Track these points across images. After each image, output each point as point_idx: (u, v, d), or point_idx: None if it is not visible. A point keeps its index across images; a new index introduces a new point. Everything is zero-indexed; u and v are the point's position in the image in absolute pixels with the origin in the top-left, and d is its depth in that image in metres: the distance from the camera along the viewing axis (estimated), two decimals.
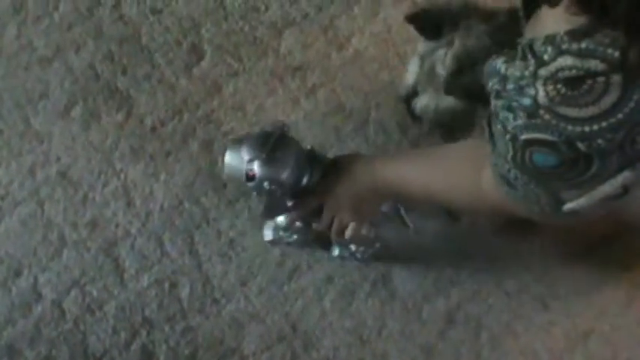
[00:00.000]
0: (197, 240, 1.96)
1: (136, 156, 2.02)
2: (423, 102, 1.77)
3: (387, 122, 2.05)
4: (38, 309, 1.91)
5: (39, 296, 1.91)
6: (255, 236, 1.95)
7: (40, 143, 2.03)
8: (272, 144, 1.66)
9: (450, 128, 1.82)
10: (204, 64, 2.11)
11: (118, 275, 1.93)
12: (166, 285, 1.92)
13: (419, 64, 1.74)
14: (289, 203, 1.76)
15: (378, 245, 1.87)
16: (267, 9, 2.16)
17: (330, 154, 1.95)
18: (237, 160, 1.68)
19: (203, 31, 2.14)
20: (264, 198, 1.73)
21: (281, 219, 1.84)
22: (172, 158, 2.01)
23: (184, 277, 1.93)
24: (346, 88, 2.08)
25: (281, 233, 1.88)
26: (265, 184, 1.67)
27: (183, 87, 2.08)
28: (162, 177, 2.00)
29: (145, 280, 1.93)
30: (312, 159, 1.73)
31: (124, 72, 2.10)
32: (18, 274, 1.93)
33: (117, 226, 1.97)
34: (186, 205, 1.98)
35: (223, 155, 1.69)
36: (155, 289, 1.92)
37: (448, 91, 1.69)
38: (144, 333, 1.89)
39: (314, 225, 1.82)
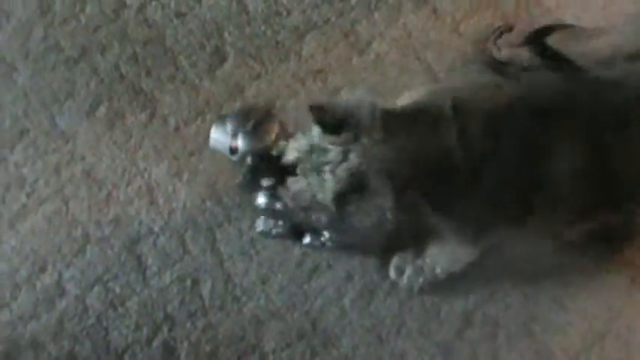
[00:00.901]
0: (219, 238, 1.99)
1: (159, 155, 2.06)
2: (299, 185, 1.67)
3: None
4: (62, 304, 1.93)
5: (63, 292, 1.94)
6: None
7: (66, 142, 2.07)
8: (255, 118, 1.71)
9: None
10: (227, 66, 2.15)
11: (141, 272, 1.96)
12: (188, 282, 1.95)
13: (305, 150, 1.64)
14: (267, 182, 1.80)
15: (347, 234, 1.89)
16: (289, 14, 2.20)
17: None
18: (222, 134, 1.74)
19: (226, 34, 2.17)
20: (246, 172, 1.77)
21: (262, 200, 1.87)
22: (195, 158, 2.04)
23: (206, 275, 1.96)
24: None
25: (271, 224, 1.92)
26: (248, 158, 1.71)
27: (206, 88, 2.12)
28: (186, 176, 2.03)
29: (167, 278, 1.96)
30: None
31: (149, 73, 2.14)
32: (42, 270, 1.96)
33: (140, 223, 2.00)
34: (209, 204, 2.01)
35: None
36: (177, 286, 1.95)
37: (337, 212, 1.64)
38: (165, 329, 1.92)
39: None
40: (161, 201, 2.02)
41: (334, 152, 1.59)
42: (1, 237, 1.98)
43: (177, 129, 2.08)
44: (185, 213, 2.01)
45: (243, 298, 1.95)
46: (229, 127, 1.73)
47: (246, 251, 1.98)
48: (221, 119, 1.76)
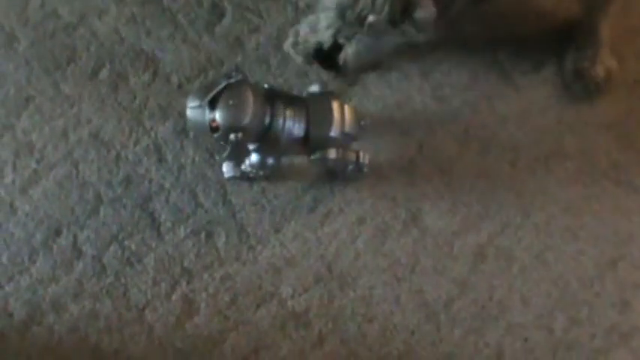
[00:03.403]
0: (230, 190, 2.00)
1: (164, 114, 2.07)
2: (352, 50, 1.73)
3: (408, 68, 2.10)
4: (79, 265, 1.95)
5: (79, 253, 1.96)
6: (287, 184, 2.00)
7: (71, 107, 2.08)
8: (216, 91, 1.71)
9: (377, 66, 1.87)
10: (225, 21, 2.16)
11: (155, 229, 1.98)
12: (202, 235, 1.97)
13: (335, 17, 1.71)
14: (252, 146, 1.83)
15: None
16: None
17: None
18: (199, 114, 1.74)
19: None
20: (228, 147, 1.79)
21: (254, 158, 1.89)
22: None
23: (219, 227, 1.98)
24: None
25: (244, 169, 1.94)
26: (232, 136, 1.72)
27: (206, 45, 2.13)
28: (192, 132, 2.04)
29: (181, 232, 1.97)
30: (271, 97, 1.79)
31: (148, 34, 2.15)
32: (58, 233, 1.97)
33: (150, 181, 2.01)
34: (217, 157, 2.02)
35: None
36: (192, 239, 1.97)
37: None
38: (184, 283, 1.94)
39: (283, 160, 1.93)
40: (170, 158, 2.03)
41: None
42: (15, 203, 1.99)
43: (180, 86, 2.09)
44: (194, 168, 2.02)
45: (258, 247, 1.96)
46: (204, 105, 1.73)
47: (258, 201, 2.00)
48: (194, 98, 1.75)
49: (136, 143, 2.05)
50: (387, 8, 1.63)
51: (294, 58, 1.91)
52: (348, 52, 1.75)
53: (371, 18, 1.64)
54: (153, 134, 2.05)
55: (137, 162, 2.03)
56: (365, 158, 1.93)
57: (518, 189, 2.01)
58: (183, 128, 2.05)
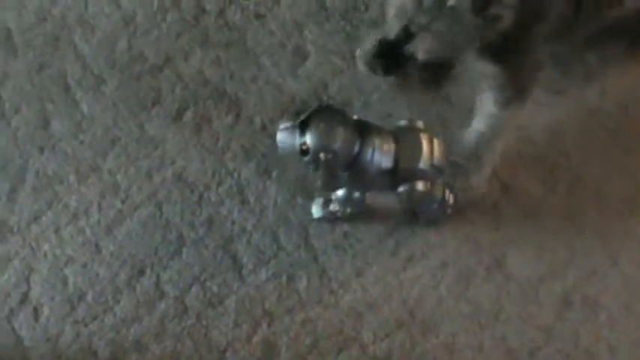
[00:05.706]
0: (312, 233, 2.00)
1: (247, 155, 2.08)
2: (425, 41, 1.64)
3: None
4: (162, 306, 1.97)
5: (162, 293, 1.98)
6: (369, 227, 1.99)
7: (155, 148, 2.11)
8: (308, 113, 1.71)
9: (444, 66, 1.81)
10: (309, 64, 2.17)
11: (237, 270, 1.98)
12: (284, 278, 1.97)
13: (410, 1, 1.62)
14: (344, 173, 1.81)
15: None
16: (367, 8, 2.21)
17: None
18: (289, 136, 1.74)
19: (306, 32, 2.20)
20: (320, 173, 1.77)
21: (340, 192, 1.90)
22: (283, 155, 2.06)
23: (301, 270, 1.97)
24: None
25: (332, 208, 1.95)
26: (321, 155, 1.72)
27: (290, 86, 2.14)
28: (275, 173, 2.05)
29: (263, 274, 1.97)
30: (361, 127, 1.77)
31: (232, 76, 2.17)
32: (141, 273, 1.99)
33: (233, 223, 2.02)
34: (299, 199, 2.02)
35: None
36: (273, 282, 1.97)
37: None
38: (265, 325, 1.93)
39: (368, 196, 1.92)
40: (252, 199, 2.04)
41: None
42: (100, 243, 2.02)
43: (263, 128, 2.11)
44: (276, 210, 2.03)
45: (340, 291, 1.95)
46: (296, 126, 1.74)
47: (340, 244, 1.99)
48: (285, 120, 1.77)
49: (219, 184, 2.06)
50: None
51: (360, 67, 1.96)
52: (421, 44, 1.66)
53: (452, 1, 1.57)
54: (236, 175, 2.07)
55: (220, 203, 2.05)
56: (450, 197, 1.91)
57: (606, 233, 1.97)
58: (266, 169, 2.06)
